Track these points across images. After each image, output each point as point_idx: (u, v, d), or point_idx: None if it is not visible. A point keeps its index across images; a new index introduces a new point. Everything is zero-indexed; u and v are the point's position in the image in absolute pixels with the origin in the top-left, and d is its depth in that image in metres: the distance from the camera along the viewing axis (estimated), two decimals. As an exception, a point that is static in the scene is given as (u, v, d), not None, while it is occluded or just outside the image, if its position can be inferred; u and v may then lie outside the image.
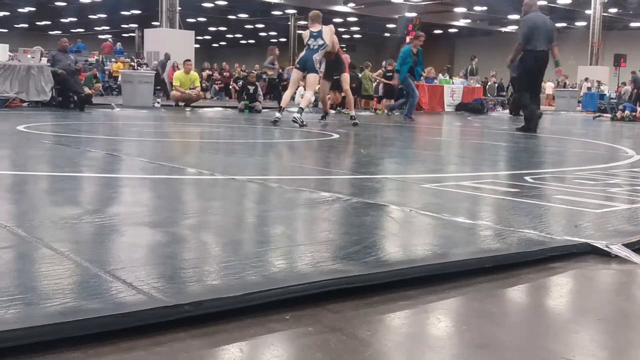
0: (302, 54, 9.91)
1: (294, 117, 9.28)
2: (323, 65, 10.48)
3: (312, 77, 9.70)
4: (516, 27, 40.33)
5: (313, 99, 10.57)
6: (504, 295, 1.82)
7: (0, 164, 4.43)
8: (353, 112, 10.55)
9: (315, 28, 9.60)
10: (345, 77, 10.58)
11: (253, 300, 1.58)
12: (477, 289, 1.82)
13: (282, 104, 10.02)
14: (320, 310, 1.60)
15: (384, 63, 17.31)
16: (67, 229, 2.30)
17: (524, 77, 9.26)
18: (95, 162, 4.69)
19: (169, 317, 1.47)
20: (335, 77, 10.75)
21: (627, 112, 14.92)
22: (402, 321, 1.60)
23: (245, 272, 1.76)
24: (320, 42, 9.55)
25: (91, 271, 1.75)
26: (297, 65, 9.92)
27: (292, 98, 10.41)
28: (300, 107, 9.61)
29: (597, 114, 16.68)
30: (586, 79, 25.89)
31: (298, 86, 11.57)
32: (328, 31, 9.63)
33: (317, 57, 9.56)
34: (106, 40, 28.87)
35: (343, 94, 14.57)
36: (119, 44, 26.76)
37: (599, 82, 24.97)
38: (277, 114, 9.68)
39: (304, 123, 9.28)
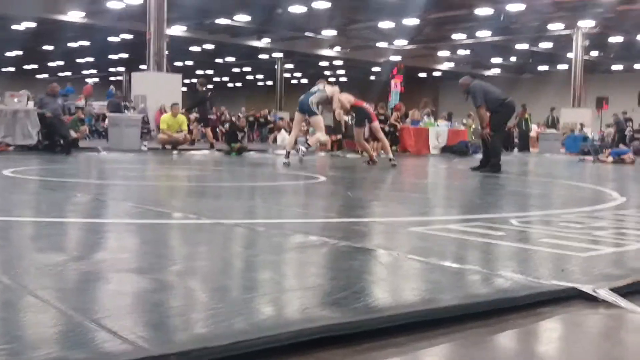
0: (301, 97, 10.46)
1: (300, 158, 9.91)
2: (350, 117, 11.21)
3: (315, 120, 10.29)
4: (499, 70, 41.15)
5: (323, 138, 10.97)
6: (493, 342, 1.81)
7: (-16, 208, 4.39)
8: (391, 155, 11.15)
9: (319, 84, 10.46)
10: (375, 126, 11.39)
11: (241, 349, 1.56)
12: (466, 335, 1.82)
13: (288, 148, 10.44)
14: (309, 358, 1.59)
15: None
16: (52, 276, 2.27)
17: (501, 125, 10.36)
18: (81, 207, 4.66)
19: (155, 368, 1.45)
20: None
21: (610, 158, 15.12)
22: (391, 369, 1.59)
23: (233, 320, 1.75)
24: (321, 87, 10.25)
25: (76, 320, 1.73)
26: (298, 109, 10.48)
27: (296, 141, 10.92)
28: (307, 144, 10.20)
29: (582, 157, 16.81)
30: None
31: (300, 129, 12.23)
32: (329, 86, 10.39)
33: (313, 99, 10.10)
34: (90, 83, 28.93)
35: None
36: (112, 87, 26.82)
37: (581, 124, 25.34)
38: (285, 159, 10.07)
39: (303, 155, 9.84)
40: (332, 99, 10.32)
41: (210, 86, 15.48)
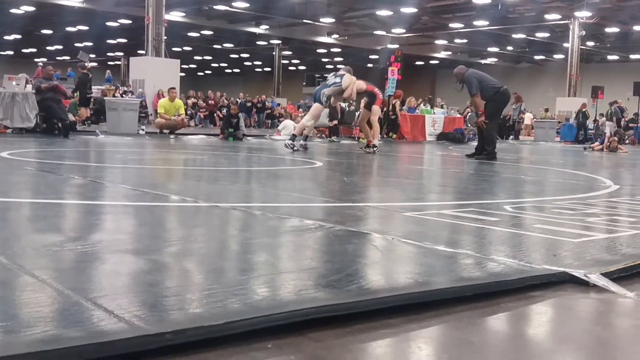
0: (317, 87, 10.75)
1: (286, 143, 10.01)
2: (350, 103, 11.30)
3: (314, 107, 10.50)
4: (496, 59, 41.06)
5: (309, 124, 10.97)
6: (484, 324, 1.83)
7: (-19, 190, 4.39)
8: (376, 141, 11.16)
9: (340, 72, 10.52)
10: (375, 109, 11.32)
11: (235, 329, 1.58)
12: (457, 318, 1.84)
13: (295, 131, 10.75)
14: (302, 338, 1.61)
15: None
16: (49, 257, 2.28)
17: (496, 113, 10.39)
18: (78, 189, 4.67)
19: (150, 346, 1.46)
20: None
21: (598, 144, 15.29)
22: (383, 350, 1.61)
23: (228, 300, 1.76)
24: (337, 80, 10.30)
25: (72, 299, 1.74)
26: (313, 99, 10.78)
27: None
28: (292, 134, 10.42)
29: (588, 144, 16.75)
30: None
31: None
32: (348, 77, 10.35)
33: (326, 91, 10.32)
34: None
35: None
36: (108, 71, 26.69)
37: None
38: (289, 142, 10.40)
39: (296, 148, 9.85)
40: (347, 90, 10.42)
41: (91, 65, 16.55)
